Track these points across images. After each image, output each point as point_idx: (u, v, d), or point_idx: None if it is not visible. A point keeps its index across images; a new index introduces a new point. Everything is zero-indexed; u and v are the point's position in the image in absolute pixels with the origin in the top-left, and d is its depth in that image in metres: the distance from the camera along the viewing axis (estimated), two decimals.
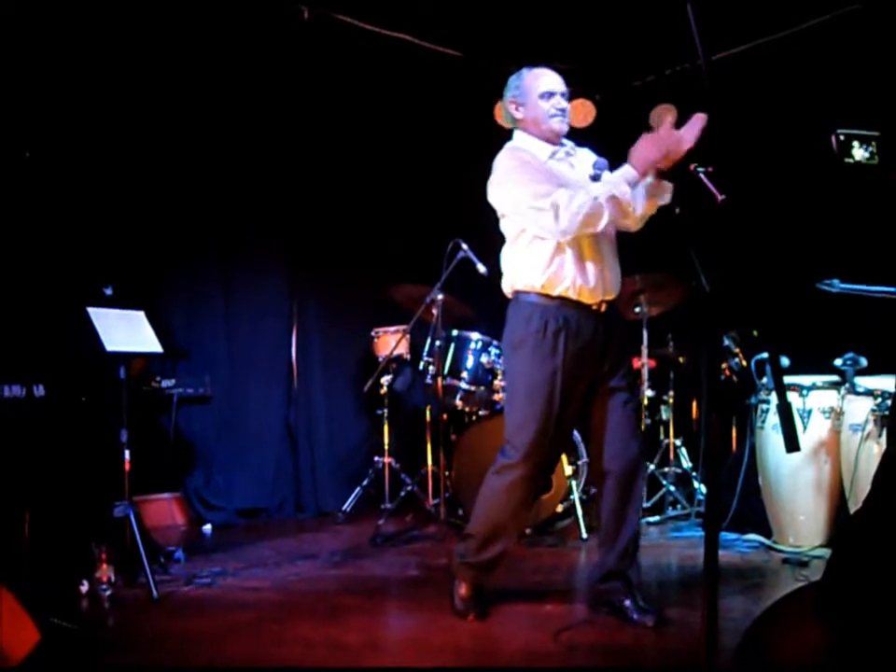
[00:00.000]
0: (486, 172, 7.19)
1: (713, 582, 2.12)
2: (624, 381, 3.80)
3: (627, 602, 3.74)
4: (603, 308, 3.74)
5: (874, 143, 2.66)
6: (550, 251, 3.67)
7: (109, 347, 4.23)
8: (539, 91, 3.82)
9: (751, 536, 5.18)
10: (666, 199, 3.72)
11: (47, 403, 4.46)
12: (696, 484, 6.03)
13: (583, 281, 3.66)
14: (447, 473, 5.74)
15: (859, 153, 2.65)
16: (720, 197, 2.46)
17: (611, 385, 3.75)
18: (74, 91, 5.26)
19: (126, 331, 4.37)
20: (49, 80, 5.13)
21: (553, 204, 3.55)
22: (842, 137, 2.64)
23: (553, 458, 4.04)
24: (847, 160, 2.65)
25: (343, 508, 6.16)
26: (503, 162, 3.82)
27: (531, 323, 3.73)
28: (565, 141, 3.90)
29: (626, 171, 3.58)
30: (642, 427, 3.89)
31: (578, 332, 3.68)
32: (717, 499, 2.75)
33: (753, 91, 6.08)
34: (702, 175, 2.50)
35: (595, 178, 3.70)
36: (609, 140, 3.80)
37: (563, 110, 3.83)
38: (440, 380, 5.71)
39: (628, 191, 3.57)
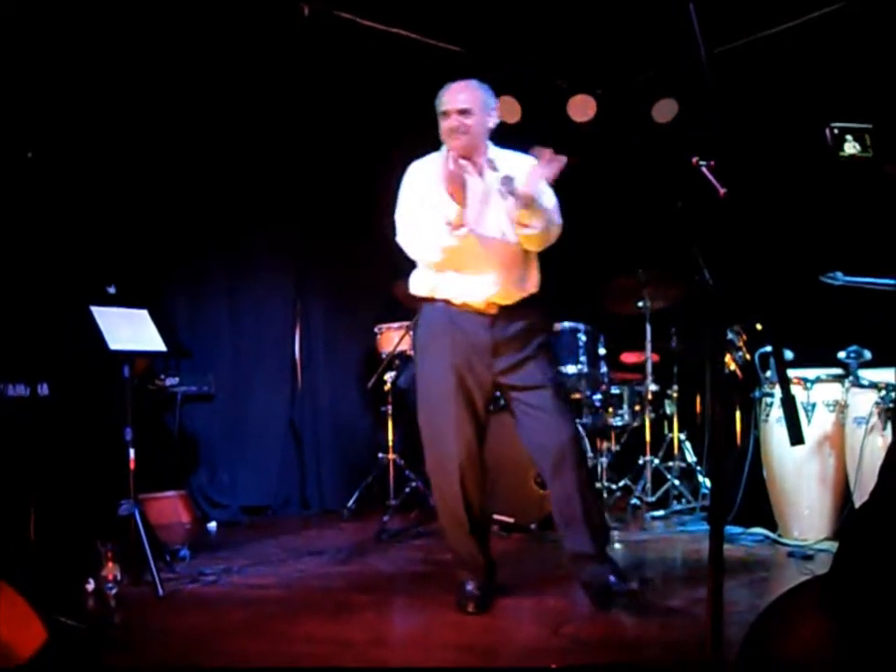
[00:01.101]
0: None
1: (718, 576, 2.11)
2: (537, 379, 3.84)
3: (611, 578, 3.82)
4: (491, 311, 3.83)
5: (867, 136, 2.65)
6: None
7: (113, 346, 4.23)
8: (439, 111, 3.84)
9: (756, 529, 5.18)
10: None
11: (51, 402, 4.46)
12: (701, 478, 6.03)
13: (465, 289, 3.83)
14: None
15: (852, 147, 2.65)
16: (722, 191, 2.46)
17: (517, 382, 3.85)
18: (76, 90, 5.27)
19: (129, 330, 4.37)
20: (51, 79, 5.14)
21: (411, 245, 3.83)
22: (836, 131, 2.64)
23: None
24: (841, 153, 2.64)
25: (348, 504, 6.17)
26: (403, 180, 3.99)
27: (428, 327, 3.96)
28: (493, 150, 3.92)
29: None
30: (569, 409, 3.91)
31: (456, 327, 3.84)
32: (722, 493, 2.74)
33: (756, 83, 6.08)
34: (704, 170, 2.49)
35: (504, 194, 3.76)
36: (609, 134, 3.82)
37: (453, 129, 3.78)
38: None
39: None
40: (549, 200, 3.87)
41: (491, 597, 3.93)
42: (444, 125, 3.81)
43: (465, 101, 3.79)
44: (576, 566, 3.91)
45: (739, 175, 2.46)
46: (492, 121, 3.87)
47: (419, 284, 3.96)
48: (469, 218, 3.69)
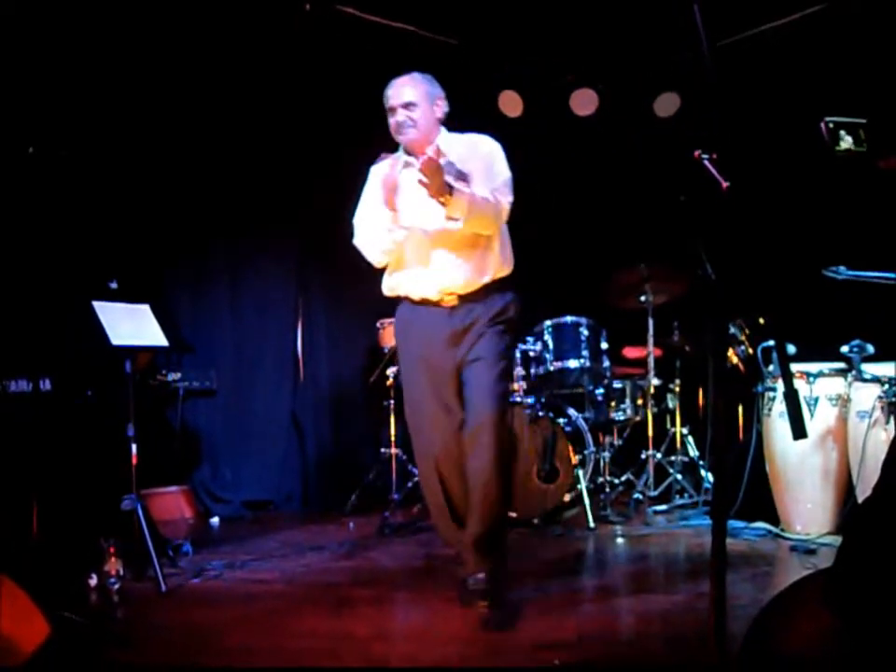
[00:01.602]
0: None
1: (721, 570, 2.10)
2: (479, 353, 3.80)
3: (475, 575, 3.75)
4: (447, 300, 3.83)
5: (861, 131, 2.65)
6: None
7: (115, 341, 4.23)
8: (386, 107, 3.89)
9: (759, 524, 5.18)
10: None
11: (53, 398, 4.46)
12: (703, 473, 6.02)
13: (412, 281, 3.88)
14: None
15: (847, 141, 2.64)
16: (724, 184, 2.45)
17: (467, 359, 3.83)
18: (78, 86, 5.26)
19: (131, 325, 4.36)
20: (52, 75, 5.13)
21: (362, 245, 3.94)
22: (830, 125, 2.63)
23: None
24: (836, 148, 2.64)
25: (350, 499, 6.17)
26: None
27: (398, 325, 4.04)
28: (445, 137, 3.94)
29: None
30: (498, 388, 3.79)
31: (415, 325, 3.91)
32: (724, 488, 2.74)
33: (759, 76, 6.06)
34: (706, 163, 2.48)
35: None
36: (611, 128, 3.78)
37: (399, 123, 3.84)
38: None
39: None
40: (475, 186, 3.76)
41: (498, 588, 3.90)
42: (391, 121, 3.86)
43: (409, 95, 3.83)
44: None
45: (742, 168, 2.46)
46: (439, 111, 3.92)
47: (384, 284, 4.02)
48: (411, 213, 3.77)
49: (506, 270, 3.93)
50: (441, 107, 3.93)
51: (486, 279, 3.85)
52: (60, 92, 5.15)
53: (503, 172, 3.93)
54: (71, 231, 5.04)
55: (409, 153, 3.90)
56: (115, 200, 5.46)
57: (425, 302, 3.87)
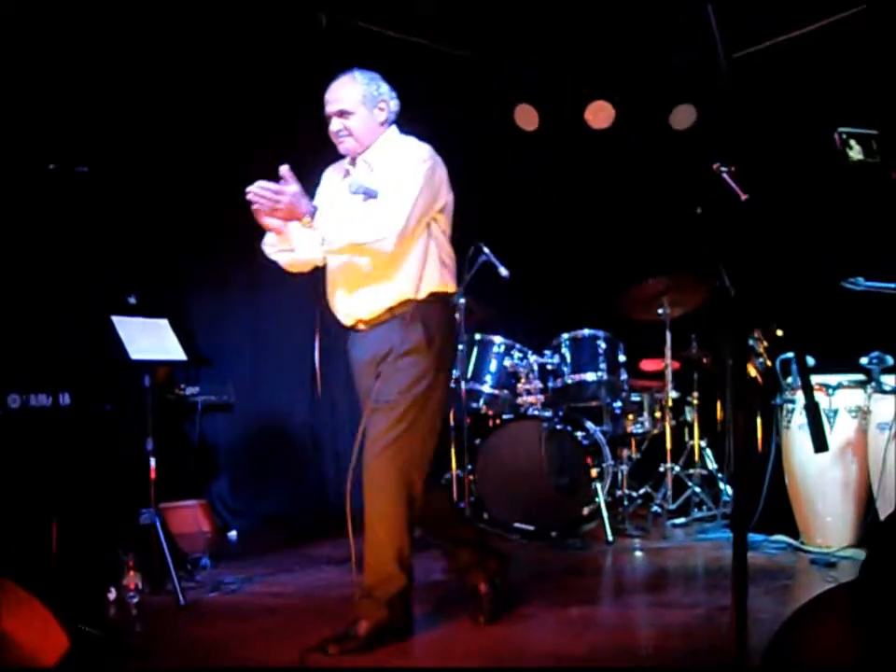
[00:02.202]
0: (506, 174, 7.19)
1: (742, 583, 2.09)
2: (378, 395, 3.56)
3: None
4: (361, 327, 3.68)
5: (873, 142, 2.64)
6: None
7: (134, 355, 4.25)
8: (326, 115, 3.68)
9: (778, 537, 5.14)
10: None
11: (72, 412, 4.49)
12: (722, 486, 5.99)
13: (333, 306, 3.78)
14: (471, 477, 5.75)
15: (859, 152, 2.64)
16: (743, 196, 2.45)
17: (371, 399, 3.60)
18: (98, 102, 5.30)
19: (150, 339, 4.38)
20: (73, 91, 5.17)
21: None
22: (843, 136, 2.63)
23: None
24: (849, 158, 2.63)
25: None
26: None
27: None
28: (392, 140, 3.70)
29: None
30: (378, 442, 3.52)
31: (349, 352, 3.79)
32: (745, 501, 2.72)
33: (775, 88, 6.05)
34: (725, 175, 2.48)
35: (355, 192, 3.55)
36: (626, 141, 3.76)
37: (335, 133, 3.64)
38: (463, 384, 5.72)
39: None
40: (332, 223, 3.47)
41: (502, 602, 3.86)
42: (329, 128, 3.66)
43: (344, 101, 3.60)
44: None
45: (760, 180, 2.45)
46: (383, 114, 3.66)
47: None
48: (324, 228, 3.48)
49: (413, 294, 3.57)
50: (387, 109, 3.67)
51: (389, 303, 3.58)
52: (79, 109, 5.18)
53: (404, 185, 3.51)
54: (90, 246, 5.07)
55: (351, 161, 3.73)
56: (134, 215, 5.49)
57: (346, 327, 3.77)
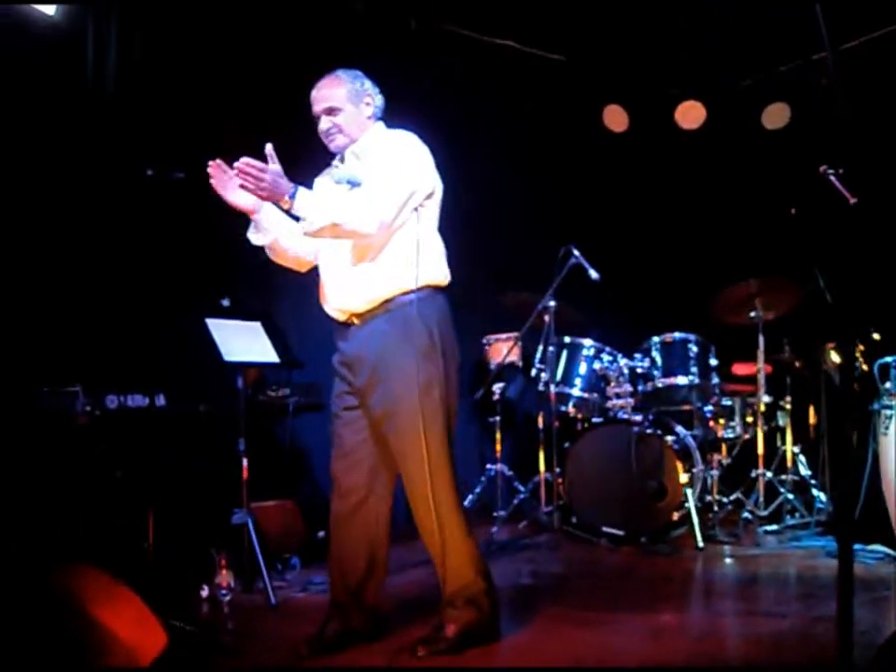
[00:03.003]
0: (595, 176, 7.14)
1: (847, 596, 2.02)
2: (379, 406, 3.50)
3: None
4: (354, 321, 3.57)
5: None
6: None
7: (227, 357, 4.32)
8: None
9: (875, 546, 5.01)
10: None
11: (167, 412, 4.57)
12: (815, 492, 5.87)
13: (325, 300, 3.68)
14: (560, 481, 5.72)
15: None
16: (851, 199, 2.39)
17: (366, 404, 3.56)
18: (194, 108, 5.40)
19: (243, 342, 4.46)
20: (170, 99, 5.28)
21: None
22: None
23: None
24: None
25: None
26: None
27: None
28: (377, 134, 3.66)
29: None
30: (420, 448, 3.44)
31: (336, 345, 3.68)
32: (849, 508, 2.65)
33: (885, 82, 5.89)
34: (832, 178, 2.42)
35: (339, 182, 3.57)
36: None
37: (324, 132, 3.63)
38: (552, 387, 5.70)
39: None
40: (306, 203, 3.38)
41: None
42: (318, 129, 3.66)
43: (328, 98, 3.61)
44: None
45: (870, 182, 2.39)
46: (369, 109, 3.65)
47: None
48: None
49: (405, 287, 3.51)
50: (372, 104, 3.67)
51: (381, 297, 3.50)
52: (177, 115, 5.29)
53: (388, 173, 3.48)
54: (186, 251, 5.17)
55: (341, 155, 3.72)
56: (227, 219, 5.57)
57: (334, 321, 3.67)
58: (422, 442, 3.42)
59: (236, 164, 3.28)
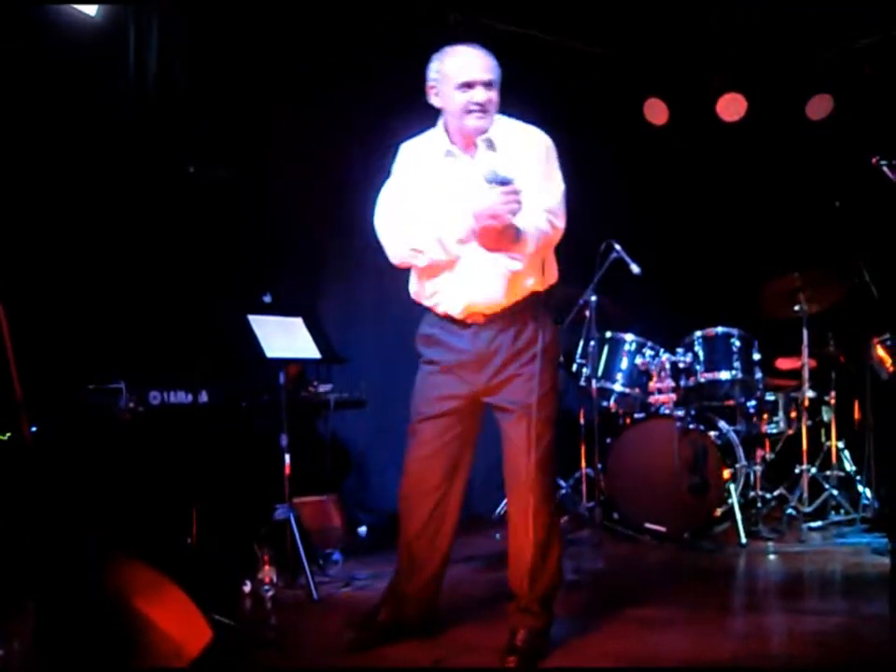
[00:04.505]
0: (636, 169, 7.08)
1: None
2: (517, 401, 3.40)
3: (517, 639, 3.42)
4: (479, 320, 3.39)
5: None
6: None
7: (269, 353, 4.34)
8: (457, 81, 3.27)
9: None
10: None
11: (210, 408, 4.60)
12: (861, 489, 5.80)
13: (444, 295, 3.44)
14: (602, 476, 5.70)
15: None
16: None
17: (498, 401, 3.48)
18: (236, 106, 5.44)
19: (285, 338, 4.47)
20: (210, 98, 5.31)
21: (381, 231, 3.47)
22: None
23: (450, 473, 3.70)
24: None
25: (496, 511, 6.16)
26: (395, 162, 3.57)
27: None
28: (499, 122, 3.40)
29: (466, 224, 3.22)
30: (539, 446, 3.38)
31: (446, 344, 3.49)
32: None
33: None
34: (885, 168, 2.38)
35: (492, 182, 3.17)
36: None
37: (481, 105, 3.27)
38: (593, 382, 5.68)
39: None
40: (526, 194, 3.18)
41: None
42: (464, 98, 3.26)
43: (491, 70, 3.29)
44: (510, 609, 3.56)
45: None
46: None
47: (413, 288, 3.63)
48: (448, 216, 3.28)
49: (545, 284, 3.46)
50: None
51: (520, 296, 3.39)
52: (219, 112, 5.32)
53: (559, 184, 3.43)
54: (228, 248, 5.20)
55: (451, 140, 3.39)
56: (269, 217, 5.61)
57: (448, 320, 3.47)
58: (544, 434, 3.41)
59: (505, 193, 3.09)
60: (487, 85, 3.27)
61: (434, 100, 3.41)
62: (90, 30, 4.86)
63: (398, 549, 3.77)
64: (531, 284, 3.40)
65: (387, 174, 3.58)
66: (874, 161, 2.33)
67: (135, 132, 5.03)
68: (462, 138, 3.37)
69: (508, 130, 3.41)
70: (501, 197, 3.10)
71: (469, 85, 3.26)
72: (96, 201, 4.81)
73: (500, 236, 3.17)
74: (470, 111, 3.27)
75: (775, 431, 5.94)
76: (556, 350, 3.52)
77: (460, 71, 3.28)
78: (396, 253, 3.44)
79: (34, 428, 3.82)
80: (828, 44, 6.66)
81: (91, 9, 4.82)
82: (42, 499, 3.14)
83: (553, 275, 3.51)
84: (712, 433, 5.51)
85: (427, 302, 3.53)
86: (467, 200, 3.22)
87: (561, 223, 3.37)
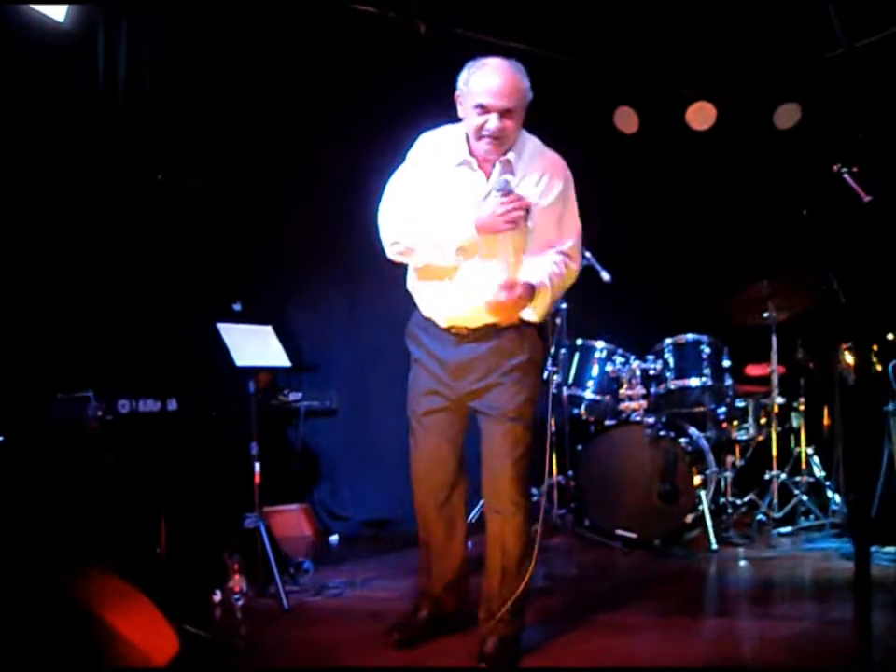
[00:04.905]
0: (606, 177, 7.10)
1: (866, 598, 2.01)
2: (498, 406, 3.43)
3: (487, 647, 3.45)
4: (462, 332, 3.41)
5: None
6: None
7: (239, 362, 4.32)
8: (474, 101, 3.22)
9: (890, 548, 4.97)
10: None
11: (179, 417, 4.57)
12: (830, 494, 5.84)
13: (440, 303, 3.45)
14: (573, 483, 5.71)
15: None
16: (866, 198, 2.37)
17: (479, 406, 3.50)
18: (203, 115, 5.42)
19: (255, 346, 4.45)
20: (180, 107, 5.29)
21: (383, 219, 3.45)
22: None
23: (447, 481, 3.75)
24: None
25: (469, 518, 6.13)
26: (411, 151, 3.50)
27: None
28: (522, 140, 3.38)
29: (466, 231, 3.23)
30: (516, 453, 3.47)
31: (431, 351, 3.52)
32: (866, 510, 2.63)
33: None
34: (846, 176, 2.40)
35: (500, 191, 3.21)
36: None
37: (492, 133, 3.21)
38: (564, 389, 5.69)
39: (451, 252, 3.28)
40: (541, 230, 3.30)
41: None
42: (478, 122, 3.20)
43: (511, 99, 3.19)
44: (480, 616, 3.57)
45: (886, 181, 2.38)
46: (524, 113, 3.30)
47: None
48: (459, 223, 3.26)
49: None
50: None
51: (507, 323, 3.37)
52: (186, 122, 5.30)
53: (575, 222, 3.46)
54: (196, 255, 5.18)
55: (471, 151, 3.31)
56: (238, 224, 5.58)
57: (435, 328, 3.51)
58: (520, 443, 3.48)
59: (511, 200, 3.15)
60: (505, 113, 3.20)
61: (459, 109, 3.37)
62: (58, 36, 4.82)
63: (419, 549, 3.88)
64: (527, 313, 3.36)
65: (402, 159, 3.53)
66: (835, 168, 2.36)
67: (104, 139, 4.99)
68: (479, 154, 3.33)
69: (530, 155, 3.38)
70: (501, 208, 3.14)
71: (484, 109, 3.20)
72: (64, 208, 4.77)
73: (515, 307, 3.21)
74: (482, 137, 3.24)
75: (745, 438, 5.97)
76: (540, 359, 3.54)
77: (479, 91, 3.21)
78: (391, 241, 3.44)
79: (0, 438, 3.80)
80: (796, 55, 6.71)
81: (59, 15, 4.78)
82: (9, 509, 3.11)
83: (550, 309, 3.48)
84: (682, 440, 5.53)
85: (416, 300, 3.58)
86: (473, 211, 3.24)
87: (576, 265, 3.42)
